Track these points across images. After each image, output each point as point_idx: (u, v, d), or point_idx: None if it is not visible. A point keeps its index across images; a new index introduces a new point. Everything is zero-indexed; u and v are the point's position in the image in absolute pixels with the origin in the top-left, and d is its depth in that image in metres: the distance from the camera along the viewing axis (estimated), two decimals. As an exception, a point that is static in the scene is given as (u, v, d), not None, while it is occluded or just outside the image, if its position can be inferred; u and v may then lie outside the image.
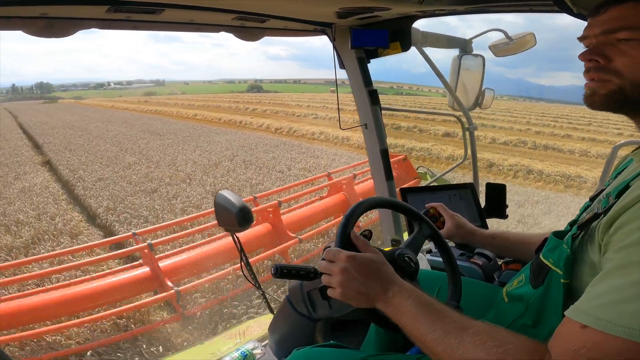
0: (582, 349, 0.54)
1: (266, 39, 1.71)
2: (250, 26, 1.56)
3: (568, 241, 0.77)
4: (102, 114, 30.78)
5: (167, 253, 3.92)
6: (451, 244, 1.36)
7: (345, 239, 0.88)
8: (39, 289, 3.47)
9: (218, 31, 1.53)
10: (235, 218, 1.18)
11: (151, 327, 3.34)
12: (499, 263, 1.45)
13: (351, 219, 0.92)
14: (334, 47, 1.86)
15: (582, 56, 0.73)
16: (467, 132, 2.39)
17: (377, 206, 1.08)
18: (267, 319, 1.96)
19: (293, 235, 4.39)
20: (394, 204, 1.09)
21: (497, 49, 2.05)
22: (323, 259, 0.85)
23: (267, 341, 1.52)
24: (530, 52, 2.07)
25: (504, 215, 1.65)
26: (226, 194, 1.24)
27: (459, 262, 1.42)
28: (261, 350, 1.57)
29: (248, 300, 3.68)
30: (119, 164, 10.41)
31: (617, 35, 0.68)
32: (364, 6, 1.47)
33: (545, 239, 0.89)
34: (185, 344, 3.20)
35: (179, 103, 41.01)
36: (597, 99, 0.72)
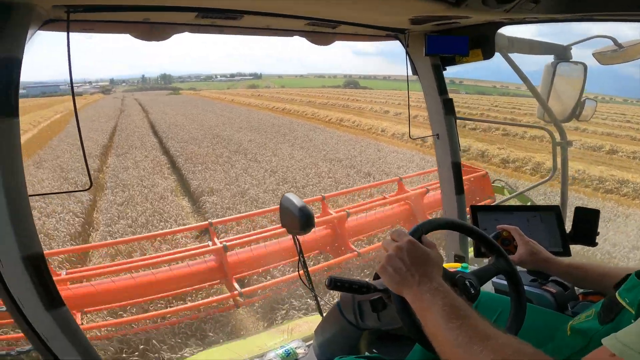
0: None
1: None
2: (321, 31, 1.60)
3: None
4: (234, 112, 27.57)
5: (231, 238, 4.15)
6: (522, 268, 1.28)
7: (418, 233, 0.89)
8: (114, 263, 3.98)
9: (292, 35, 1.61)
10: (298, 221, 1.23)
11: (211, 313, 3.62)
12: (577, 293, 1.36)
13: (428, 225, 0.94)
14: (407, 53, 1.82)
15: None
16: (557, 147, 2.15)
17: (449, 228, 1.05)
18: (315, 319, 2.01)
19: (353, 247, 4.41)
20: (469, 229, 1.05)
21: (604, 57, 1.81)
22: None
23: (311, 342, 1.56)
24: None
25: (593, 243, 1.51)
26: (291, 197, 1.29)
27: (529, 289, 1.33)
28: (304, 350, 1.62)
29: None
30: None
31: None
32: (441, 15, 1.41)
33: (627, 276, 0.83)
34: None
35: (296, 99, 37.86)
36: None
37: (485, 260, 1.22)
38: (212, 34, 1.50)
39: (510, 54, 1.91)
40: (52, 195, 6.93)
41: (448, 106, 1.91)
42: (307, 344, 1.67)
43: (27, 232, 1.02)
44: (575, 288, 1.38)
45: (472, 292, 0.90)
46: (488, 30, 1.66)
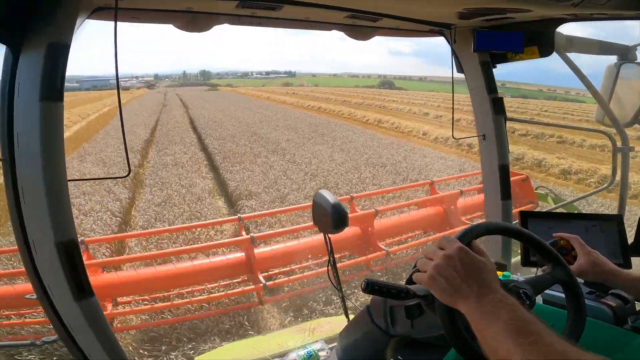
0: None
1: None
2: (361, 25, 1.54)
3: None
4: (270, 110, 26.90)
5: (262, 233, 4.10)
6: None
7: (468, 238, 0.82)
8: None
9: (330, 29, 1.56)
10: (331, 220, 1.20)
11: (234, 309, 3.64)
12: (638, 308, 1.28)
13: (479, 230, 0.87)
14: (452, 49, 1.74)
15: None
16: (618, 154, 1.98)
17: (502, 233, 0.98)
18: (338, 320, 1.95)
19: (382, 247, 4.28)
20: (523, 234, 0.97)
21: None
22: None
23: (334, 344, 1.51)
24: None
25: None
26: (325, 194, 1.25)
27: (585, 301, 1.26)
28: (327, 352, 1.59)
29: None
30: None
31: None
32: (497, 7, 1.31)
33: None
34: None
35: (331, 98, 36.15)
36: None
37: (533, 270, 1.17)
38: (251, 27, 1.49)
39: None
40: (92, 193, 7.05)
41: (497, 105, 1.81)
42: (330, 346, 1.64)
43: (63, 218, 1.03)
44: (636, 302, 1.30)
45: (527, 302, 0.84)
46: (547, 27, 1.55)
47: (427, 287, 0.76)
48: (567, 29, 1.71)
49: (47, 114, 0.99)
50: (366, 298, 3.64)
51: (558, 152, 12.32)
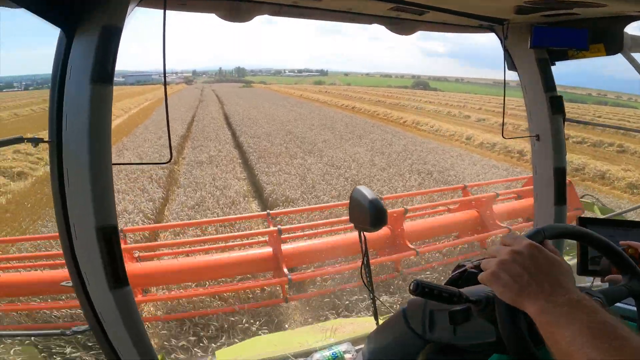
0: None
1: (423, 34, 1.60)
2: (405, 18, 1.47)
3: None
4: (304, 108, 26.50)
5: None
6: None
7: (540, 237, 0.75)
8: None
9: (371, 22, 1.50)
10: (369, 217, 1.16)
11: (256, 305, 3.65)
12: None
13: (553, 230, 0.80)
14: (504, 46, 1.64)
15: None
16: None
17: (577, 238, 0.90)
18: (362, 321, 1.88)
19: (411, 246, 4.15)
20: (601, 242, 0.87)
21: None
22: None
23: (361, 346, 1.47)
24: None
25: None
26: (363, 190, 1.20)
27: None
28: (353, 355, 1.55)
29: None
30: None
31: None
32: (564, 1, 1.19)
33: None
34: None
35: (364, 98, 35.18)
36: None
37: (588, 279, 1.14)
38: (286, 22, 1.44)
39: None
40: (126, 191, 7.18)
41: (556, 104, 1.70)
42: (356, 348, 1.60)
43: (105, 202, 1.04)
44: None
45: None
46: (614, 24, 1.44)
47: (488, 284, 0.69)
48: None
49: (97, 96, 1.00)
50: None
51: (621, 163, 11.46)
